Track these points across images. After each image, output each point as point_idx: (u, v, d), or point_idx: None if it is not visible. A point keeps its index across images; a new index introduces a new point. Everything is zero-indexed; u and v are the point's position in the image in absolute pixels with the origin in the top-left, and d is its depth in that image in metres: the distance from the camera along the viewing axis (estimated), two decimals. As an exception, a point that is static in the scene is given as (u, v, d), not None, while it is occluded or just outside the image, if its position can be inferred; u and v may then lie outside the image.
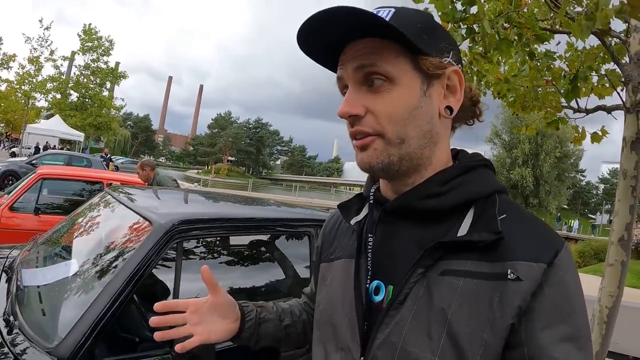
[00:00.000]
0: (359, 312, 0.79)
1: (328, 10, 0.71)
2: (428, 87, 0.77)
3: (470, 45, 3.58)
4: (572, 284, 0.69)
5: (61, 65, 32.95)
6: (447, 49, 0.78)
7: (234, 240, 2.85)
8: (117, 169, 26.45)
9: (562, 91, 4.02)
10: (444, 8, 3.09)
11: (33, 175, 5.97)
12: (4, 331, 1.66)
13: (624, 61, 3.46)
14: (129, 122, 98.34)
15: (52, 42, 30.41)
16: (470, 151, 0.87)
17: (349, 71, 0.78)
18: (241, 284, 2.70)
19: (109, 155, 28.97)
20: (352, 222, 0.89)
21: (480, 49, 3.57)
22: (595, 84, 3.97)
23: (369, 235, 0.83)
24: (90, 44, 35.49)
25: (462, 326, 0.67)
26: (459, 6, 3.20)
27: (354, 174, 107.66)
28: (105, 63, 36.76)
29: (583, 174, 71.17)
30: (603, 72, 3.89)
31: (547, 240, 0.71)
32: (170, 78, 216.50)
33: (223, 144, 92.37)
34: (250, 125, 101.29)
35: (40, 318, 1.83)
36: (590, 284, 10.54)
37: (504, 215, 0.73)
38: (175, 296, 1.83)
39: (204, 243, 2.55)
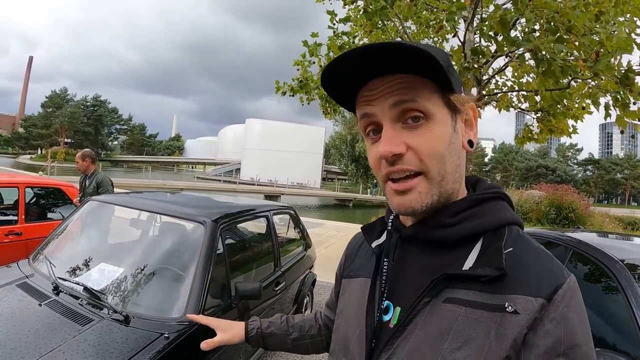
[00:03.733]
0: (368, 330, 0.83)
1: (371, 46, 0.70)
2: (455, 122, 0.79)
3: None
4: (575, 319, 0.68)
5: None
6: (458, 87, 0.79)
7: (247, 225, 3.81)
8: None
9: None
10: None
11: None
12: (130, 323, 2.11)
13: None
14: None
15: None
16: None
17: (384, 108, 0.76)
18: (258, 252, 3.77)
19: None
20: (373, 245, 0.92)
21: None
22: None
23: (385, 259, 0.87)
24: None
25: (457, 353, 0.69)
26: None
27: (195, 151, 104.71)
28: None
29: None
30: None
31: (549, 276, 0.71)
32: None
33: (59, 124, 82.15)
34: (88, 103, 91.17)
35: (150, 304, 2.38)
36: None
37: (511, 249, 0.75)
38: (227, 266, 2.80)
39: (234, 230, 3.41)
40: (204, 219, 2.82)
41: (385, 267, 0.87)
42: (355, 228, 15.82)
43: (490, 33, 3.93)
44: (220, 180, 53.06)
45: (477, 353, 0.68)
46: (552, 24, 3.78)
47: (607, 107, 4.47)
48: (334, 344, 0.96)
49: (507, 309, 0.69)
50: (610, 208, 23.37)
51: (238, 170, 64.22)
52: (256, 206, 3.78)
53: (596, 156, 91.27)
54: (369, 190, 49.76)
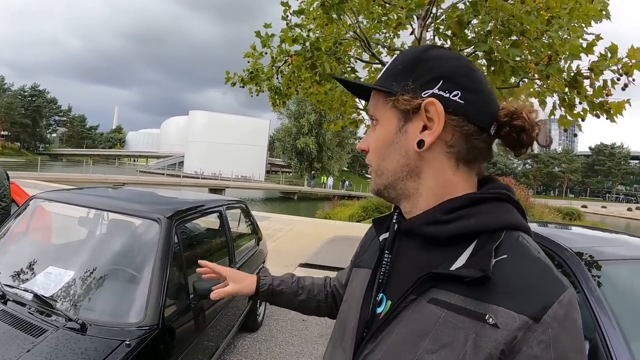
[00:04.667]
0: (361, 320, 0.85)
1: (344, 83, 0.97)
2: (405, 123, 0.81)
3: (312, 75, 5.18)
4: (569, 341, 0.64)
5: None
6: (433, 81, 0.79)
7: (201, 220, 3.65)
8: None
9: (364, 104, 5.98)
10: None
11: None
12: (86, 331, 1.98)
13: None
14: None
15: None
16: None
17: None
18: (212, 248, 3.68)
19: None
20: (381, 238, 0.94)
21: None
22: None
23: (386, 251, 0.89)
24: None
25: (433, 355, 0.68)
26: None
27: (137, 144, 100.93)
28: None
29: (360, 140, 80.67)
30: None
31: (540, 292, 0.66)
32: None
33: (-6, 115, 76.34)
34: (26, 93, 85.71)
35: (105, 309, 2.25)
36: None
37: (505, 256, 0.71)
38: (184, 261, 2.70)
39: (189, 226, 3.33)
40: (158, 216, 2.69)
41: (386, 259, 0.88)
42: (302, 221, 15.83)
43: (447, 32, 4.00)
44: (163, 174, 51.31)
45: (452, 359, 0.66)
46: (506, 26, 3.88)
47: (553, 106, 4.66)
48: (335, 329, 0.99)
49: (487, 320, 0.65)
50: (549, 199, 24.69)
51: (181, 163, 62.74)
52: (209, 201, 3.69)
53: (535, 151, 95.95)
54: (306, 182, 49.64)
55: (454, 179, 0.81)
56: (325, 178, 51.35)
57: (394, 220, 0.92)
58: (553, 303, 0.64)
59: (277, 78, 6.28)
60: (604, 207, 54.44)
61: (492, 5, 3.70)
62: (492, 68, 4.09)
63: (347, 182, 53.39)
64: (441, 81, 0.78)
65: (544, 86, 4.59)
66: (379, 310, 0.83)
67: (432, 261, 0.77)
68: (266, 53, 5.95)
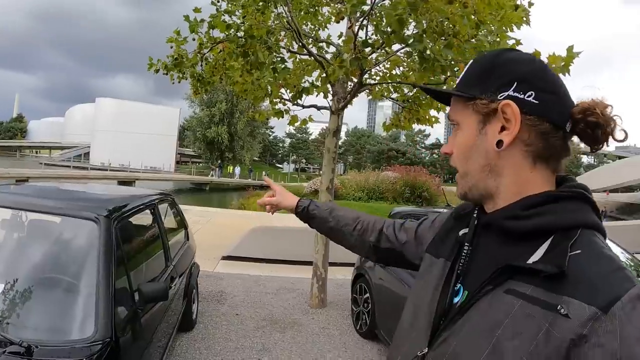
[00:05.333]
0: (438, 309, 0.89)
1: (425, 90, 1.18)
2: (485, 125, 0.87)
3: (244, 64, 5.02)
4: (636, 333, 0.64)
5: None
6: (508, 84, 0.84)
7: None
8: None
9: (290, 94, 5.92)
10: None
11: None
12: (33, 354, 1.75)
13: (327, 85, 5.54)
14: None
15: None
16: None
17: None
18: (149, 247, 3.39)
19: None
20: (460, 233, 0.98)
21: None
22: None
23: (466, 244, 0.93)
24: None
25: (507, 342, 0.72)
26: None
27: (39, 134, 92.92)
28: None
29: (272, 129, 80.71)
30: (318, 83, 5.87)
31: (609, 285, 0.69)
32: None
33: None
34: None
35: (50, 326, 2.02)
36: (294, 220, 13.44)
37: (578, 252, 0.74)
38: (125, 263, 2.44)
39: (126, 225, 2.95)
40: (95, 215, 2.45)
41: (465, 251, 0.92)
42: (218, 212, 15.53)
43: (387, 29, 4.06)
44: (69, 166, 47.87)
45: (525, 347, 0.69)
46: (439, 27, 4.04)
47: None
48: (404, 315, 1.03)
49: (559, 311, 0.68)
50: (454, 187, 26.32)
51: (87, 154, 59.16)
52: (141, 196, 3.44)
53: (442, 141, 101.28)
54: (211, 173, 48.63)
55: (532, 177, 0.86)
56: (231, 168, 50.57)
57: (475, 215, 0.96)
58: (622, 296, 0.66)
59: (201, 65, 6.05)
60: None
61: (429, 7, 3.84)
62: (424, 66, 4.25)
63: (253, 171, 52.93)
64: (515, 83, 0.83)
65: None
66: (456, 300, 0.88)
67: (509, 254, 0.81)
68: (194, 39, 5.70)
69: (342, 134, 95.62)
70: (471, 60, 0.95)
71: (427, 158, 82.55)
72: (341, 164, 79.08)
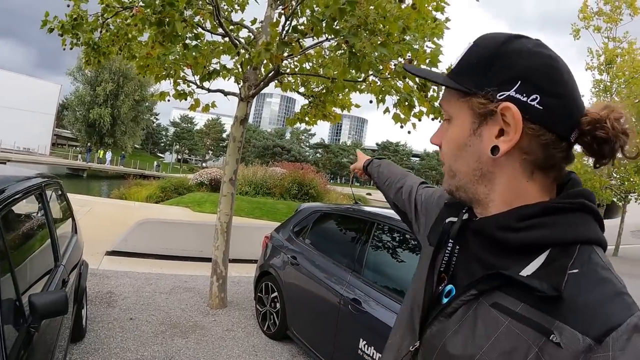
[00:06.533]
0: (424, 302, 0.86)
1: (418, 72, 0.95)
2: (480, 126, 0.77)
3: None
4: None
5: None
6: (510, 81, 0.73)
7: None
8: None
9: (197, 77, 5.42)
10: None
11: None
12: None
13: (247, 68, 5.17)
14: None
15: None
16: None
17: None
18: (35, 244, 2.67)
19: None
20: (447, 220, 0.93)
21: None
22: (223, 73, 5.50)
23: (451, 240, 0.87)
24: None
25: None
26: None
27: None
28: None
29: (157, 116, 75.89)
30: (229, 65, 5.47)
31: (606, 313, 0.63)
32: None
33: None
34: None
35: None
36: (182, 213, 12.36)
37: (576, 271, 0.68)
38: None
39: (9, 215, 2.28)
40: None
41: (449, 248, 0.87)
42: (99, 201, 14.27)
43: (323, 17, 3.86)
44: None
45: None
46: (371, 25, 3.96)
47: (395, 105, 4.96)
48: (407, 299, 1.00)
49: (551, 338, 0.63)
50: (337, 187, 27.10)
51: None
52: (24, 178, 2.60)
53: (326, 141, 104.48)
54: (80, 156, 45.00)
55: (528, 187, 0.78)
56: (102, 152, 46.69)
57: (464, 211, 0.90)
58: (618, 326, 0.61)
59: (100, 32, 5.32)
60: (368, 193, 62.46)
61: (370, 2, 3.77)
62: (351, 60, 4.14)
63: (125, 158, 49.57)
64: (519, 82, 0.72)
65: (389, 84, 4.85)
66: (445, 300, 0.82)
67: (499, 262, 0.75)
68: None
69: (227, 127, 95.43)
70: (471, 43, 0.82)
71: (310, 157, 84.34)
72: (224, 157, 77.99)
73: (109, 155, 45.93)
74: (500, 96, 0.73)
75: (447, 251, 0.87)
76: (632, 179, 17.09)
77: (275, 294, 4.61)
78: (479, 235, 0.82)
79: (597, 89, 18.46)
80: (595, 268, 0.69)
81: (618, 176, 18.15)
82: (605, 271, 0.69)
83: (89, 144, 48.02)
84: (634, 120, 17.25)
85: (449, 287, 0.84)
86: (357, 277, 3.53)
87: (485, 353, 0.69)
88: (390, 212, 4.09)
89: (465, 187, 0.83)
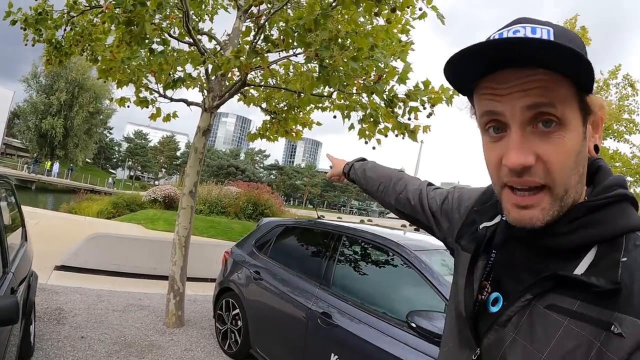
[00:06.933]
0: (467, 311, 0.83)
1: (524, 41, 0.66)
2: (585, 127, 0.71)
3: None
4: None
5: None
6: (592, 81, 0.68)
7: None
8: None
9: (160, 85, 5.28)
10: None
11: None
12: None
13: (213, 77, 5.07)
14: None
15: None
16: None
17: (516, 108, 0.68)
18: None
19: None
20: (481, 226, 0.90)
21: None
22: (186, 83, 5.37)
23: (494, 250, 0.85)
24: None
25: None
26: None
27: None
28: None
29: (110, 131, 73.86)
30: (194, 75, 5.36)
31: None
32: None
33: None
34: None
35: None
36: (134, 230, 11.92)
37: (625, 259, 0.66)
38: None
39: None
40: None
41: (493, 258, 0.85)
42: (47, 215, 13.60)
43: (296, 32, 3.85)
44: None
45: None
46: (343, 40, 4.00)
47: (360, 121, 4.99)
48: (450, 307, 0.96)
49: (612, 330, 0.61)
50: (292, 208, 27.11)
51: None
52: None
53: (281, 163, 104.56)
54: (25, 167, 42.90)
55: (584, 182, 0.77)
56: (49, 164, 44.49)
57: (504, 218, 0.82)
58: None
59: (64, 30, 5.09)
60: (339, 217, 63.09)
61: (343, 17, 3.81)
62: (321, 74, 4.14)
63: (73, 171, 47.57)
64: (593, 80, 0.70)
65: (354, 100, 4.89)
66: (494, 309, 0.79)
67: (549, 266, 0.72)
68: None
69: (182, 145, 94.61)
70: (545, 27, 0.70)
71: (265, 178, 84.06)
72: (177, 175, 76.35)
73: (55, 167, 43.77)
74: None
75: (490, 259, 0.84)
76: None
77: (237, 310, 4.44)
78: (525, 242, 0.79)
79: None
80: None
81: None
82: None
83: (35, 154, 45.83)
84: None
85: (495, 294, 0.81)
86: (325, 291, 3.45)
87: (548, 356, 0.66)
88: (356, 225, 4.07)
89: (569, 201, 0.73)
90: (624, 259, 0.66)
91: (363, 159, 1.58)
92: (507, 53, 0.66)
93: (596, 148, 0.75)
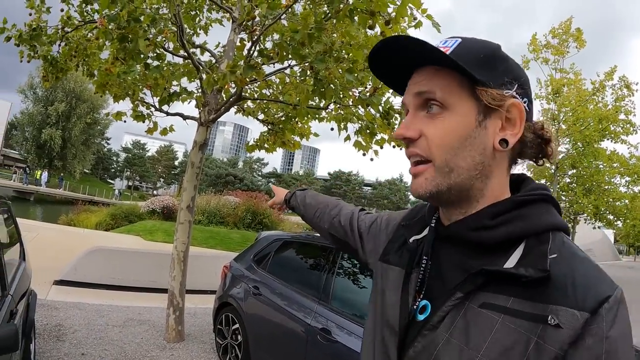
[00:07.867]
0: (401, 325, 0.82)
1: (397, 38, 0.78)
2: (485, 118, 0.77)
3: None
4: (619, 335, 0.64)
5: None
6: (511, 82, 0.77)
7: None
8: None
9: (156, 99, 5.27)
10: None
11: None
12: None
13: (210, 92, 5.07)
14: None
15: None
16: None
17: (410, 97, 0.82)
18: None
19: None
20: (411, 239, 0.92)
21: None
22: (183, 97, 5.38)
23: (424, 257, 0.85)
24: None
25: None
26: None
27: None
28: None
29: (108, 141, 73.88)
30: (189, 89, 5.36)
31: (596, 287, 0.67)
32: None
33: None
34: None
35: None
36: (133, 242, 11.93)
37: (555, 255, 0.70)
38: None
39: None
40: None
41: (424, 264, 0.85)
42: (46, 227, 13.60)
43: (290, 45, 3.86)
44: None
45: None
46: (338, 53, 4.03)
47: (356, 132, 5.01)
48: (369, 329, 0.95)
49: (549, 321, 0.65)
50: (291, 217, 26.90)
51: None
52: None
53: (279, 171, 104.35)
54: (14, 176, 42.90)
55: (507, 180, 0.83)
56: (39, 173, 43.87)
57: (432, 225, 0.89)
58: (608, 298, 0.65)
59: (59, 46, 5.09)
60: None
61: (337, 30, 3.82)
62: (316, 87, 4.15)
63: (63, 181, 47.32)
64: (517, 85, 0.78)
65: (350, 112, 4.90)
66: (421, 317, 0.80)
67: (477, 263, 0.75)
68: (62, 10, 4.76)
69: (180, 154, 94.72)
70: (458, 39, 0.81)
71: (263, 186, 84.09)
72: (175, 185, 76.28)
73: (44, 176, 43.25)
74: (506, 93, 0.76)
75: (421, 269, 0.85)
76: (580, 201, 18.04)
77: (237, 325, 4.41)
78: (451, 242, 0.83)
79: (545, 117, 19.54)
80: (572, 250, 0.73)
81: (567, 199, 19.12)
82: (581, 252, 0.74)
83: (26, 166, 45.72)
84: (580, 146, 18.54)
85: (423, 302, 0.82)
86: (325, 306, 3.42)
87: (484, 355, 0.67)
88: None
89: (462, 184, 0.79)
90: (554, 255, 0.70)
91: (305, 189, 1.61)
92: (392, 52, 0.81)
93: (504, 142, 0.78)
